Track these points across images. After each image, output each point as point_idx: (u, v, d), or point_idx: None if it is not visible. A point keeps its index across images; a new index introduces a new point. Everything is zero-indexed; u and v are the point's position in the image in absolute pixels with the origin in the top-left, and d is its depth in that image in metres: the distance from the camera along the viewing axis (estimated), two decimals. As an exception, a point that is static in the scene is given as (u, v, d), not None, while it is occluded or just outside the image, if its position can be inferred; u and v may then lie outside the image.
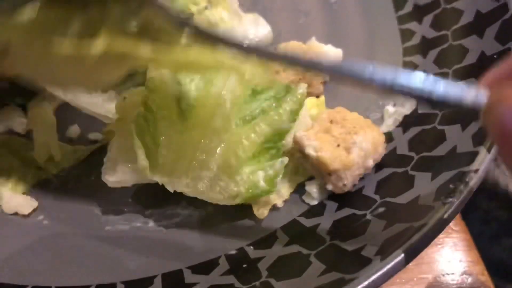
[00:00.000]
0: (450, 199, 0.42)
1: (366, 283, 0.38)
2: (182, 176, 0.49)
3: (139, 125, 0.49)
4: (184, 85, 0.52)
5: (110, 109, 0.58)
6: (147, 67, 0.54)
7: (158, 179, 0.48)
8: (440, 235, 0.42)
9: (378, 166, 0.52)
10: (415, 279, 0.55)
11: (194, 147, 0.50)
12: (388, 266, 0.38)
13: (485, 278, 0.57)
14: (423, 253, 0.41)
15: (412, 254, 0.39)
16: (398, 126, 0.56)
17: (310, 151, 0.50)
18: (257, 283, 0.44)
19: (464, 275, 0.57)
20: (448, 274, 0.57)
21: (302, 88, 0.53)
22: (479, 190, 0.98)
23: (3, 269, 0.49)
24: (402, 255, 0.39)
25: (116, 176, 0.50)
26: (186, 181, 0.48)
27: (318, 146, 0.50)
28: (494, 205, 0.98)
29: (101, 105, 0.59)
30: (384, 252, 0.40)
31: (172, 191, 0.48)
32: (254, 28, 0.64)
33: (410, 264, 0.40)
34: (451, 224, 0.60)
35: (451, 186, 0.43)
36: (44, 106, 0.59)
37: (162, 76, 0.52)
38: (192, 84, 0.52)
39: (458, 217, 0.61)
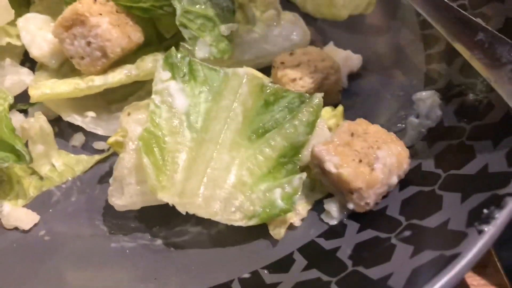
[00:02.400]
0: (486, 226, 0.39)
1: (396, 321, 0.34)
2: (194, 196, 0.45)
3: (146, 142, 0.46)
4: (193, 97, 0.49)
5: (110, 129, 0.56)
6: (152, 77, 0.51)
7: (169, 200, 0.45)
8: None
9: (403, 184, 0.48)
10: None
11: (206, 164, 0.47)
12: (419, 302, 0.35)
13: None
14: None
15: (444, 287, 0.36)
16: (422, 140, 0.52)
17: (330, 167, 0.46)
18: (274, 312, 0.41)
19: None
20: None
21: (318, 97, 0.50)
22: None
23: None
24: (435, 289, 0.36)
25: (124, 199, 0.47)
26: (199, 202, 0.45)
27: (338, 162, 0.46)
28: None
29: (99, 124, 0.57)
30: (414, 284, 0.36)
31: (184, 213, 0.45)
32: (293, 28, 0.60)
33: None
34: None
35: (485, 211, 0.40)
36: (38, 115, 0.56)
37: (168, 88, 0.48)
38: (201, 96, 0.49)
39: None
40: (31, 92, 0.53)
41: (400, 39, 0.63)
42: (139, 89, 0.59)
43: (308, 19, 0.64)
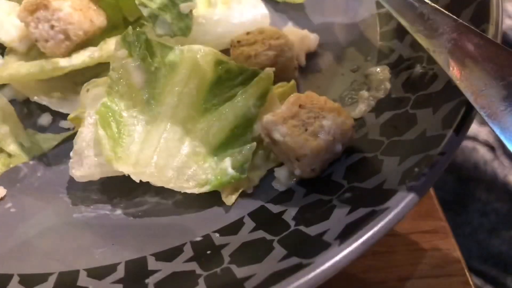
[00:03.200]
0: (414, 183, 0.41)
1: (322, 268, 0.37)
2: (147, 165, 0.48)
3: (103, 116, 0.48)
4: (149, 73, 0.51)
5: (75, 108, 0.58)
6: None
7: (124, 169, 0.47)
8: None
9: (348, 151, 0.51)
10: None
11: (160, 135, 0.49)
12: (346, 251, 0.37)
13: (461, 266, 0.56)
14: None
15: (371, 239, 0.38)
16: (371, 112, 0.55)
17: (277, 136, 0.49)
18: (218, 269, 0.43)
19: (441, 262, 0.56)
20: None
21: (269, 71, 0.52)
22: (478, 182, 0.97)
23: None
24: (361, 240, 0.38)
25: (83, 170, 0.50)
26: (152, 170, 0.47)
27: (285, 131, 0.49)
28: (493, 197, 0.96)
29: (65, 104, 0.59)
30: (344, 237, 0.39)
31: (138, 181, 0.47)
32: (253, 10, 0.63)
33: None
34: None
35: (416, 169, 0.42)
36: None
37: (126, 65, 0.51)
38: (157, 72, 0.51)
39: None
40: (-2, 74, 0.56)
41: (356, 18, 0.65)
42: (104, 71, 0.61)
43: (271, 2, 0.67)
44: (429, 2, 0.50)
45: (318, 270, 0.37)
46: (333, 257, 0.37)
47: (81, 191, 0.54)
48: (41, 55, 0.61)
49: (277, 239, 0.44)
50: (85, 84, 0.53)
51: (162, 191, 0.51)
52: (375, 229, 0.39)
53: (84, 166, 0.50)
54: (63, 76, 0.59)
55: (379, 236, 0.39)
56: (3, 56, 0.62)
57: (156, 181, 0.48)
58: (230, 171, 0.49)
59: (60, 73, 0.58)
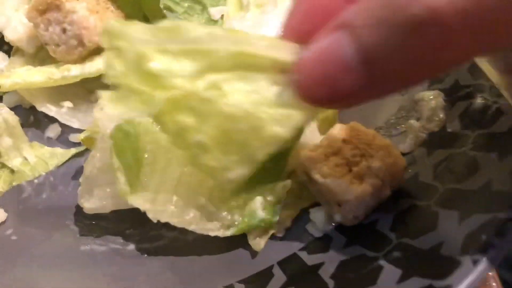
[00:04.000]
0: (481, 256, 0.35)
1: None
2: (167, 203, 0.42)
3: (118, 140, 0.42)
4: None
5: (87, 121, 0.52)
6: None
7: (140, 206, 0.41)
8: None
9: (396, 195, 0.44)
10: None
11: (181, 168, 0.43)
12: None
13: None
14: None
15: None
16: (421, 146, 0.48)
17: (316, 176, 0.42)
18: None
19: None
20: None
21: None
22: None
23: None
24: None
25: (93, 201, 0.44)
26: (172, 210, 0.41)
27: (326, 171, 0.42)
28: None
29: (76, 116, 0.53)
30: (398, 318, 0.33)
31: (155, 221, 0.41)
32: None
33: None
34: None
35: (483, 237, 0.36)
36: (1, 106, 0.52)
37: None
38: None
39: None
40: (1, 81, 0.50)
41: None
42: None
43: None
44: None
45: None
46: None
47: (90, 219, 0.48)
48: (50, 57, 0.55)
49: (314, 302, 0.38)
50: (99, 101, 0.47)
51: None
52: (435, 312, 0.33)
53: (94, 197, 0.44)
54: (74, 82, 0.53)
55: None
56: (9, 55, 0.56)
57: (176, 222, 0.42)
58: (260, 213, 0.43)
59: (70, 82, 0.51)
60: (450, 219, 0.40)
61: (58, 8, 0.49)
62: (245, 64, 0.33)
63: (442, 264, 0.36)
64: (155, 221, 0.42)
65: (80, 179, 0.45)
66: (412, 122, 0.50)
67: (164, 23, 0.34)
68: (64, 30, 0.49)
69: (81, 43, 0.50)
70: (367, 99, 0.29)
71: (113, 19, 0.51)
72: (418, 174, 0.46)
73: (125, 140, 0.43)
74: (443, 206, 0.41)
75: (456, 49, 0.24)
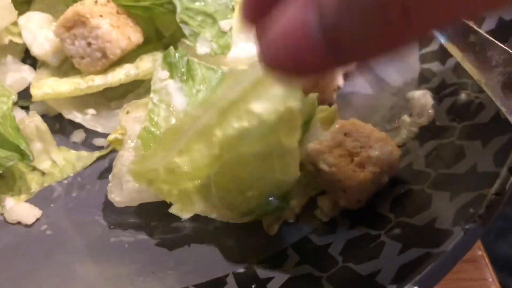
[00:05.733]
0: (471, 225, 0.40)
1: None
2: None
3: (145, 141, 0.47)
4: (191, 96, 0.50)
5: (109, 126, 0.57)
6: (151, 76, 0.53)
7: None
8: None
9: (393, 182, 0.50)
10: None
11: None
12: (404, 298, 0.37)
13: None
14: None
15: (429, 283, 0.38)
16: (414, 139, 0.54)
17: (323, 165, 0.48)
18: (267, 306, 0.42)
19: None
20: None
21: (313, 97, 0.52)
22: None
23: (15, 284, 0.48)
24: (418, 286, 0.37)
25: (123, 195, 0.49)
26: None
27: (331, 161, 0.48)
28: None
29: (99, 121, 0.58)
30: (400, 281, 0.38)
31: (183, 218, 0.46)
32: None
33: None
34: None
35: (471, 210, 0.41)
36: (33, 114, 0.57)
37: (167, 87, 0.50)
38: (199, 95, 0.50)
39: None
40: (33, 92, 0.55)
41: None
42: (138, 87, 0.60)
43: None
44: (482, 32, 0.48)
45: (377, 318, 0.36)
46: (391, 304, 0.37)
47: (117, 214, 0.53)
48: (73, 69, 0.60)
49: (326, 276, 0.43)
50: (124, 106, 0.52)
51: (200, 217, 0.50)
52: (432, 274, 0.38)
53: (124, 192, 0.49)
54: (96, 92, 0.58)
55: (435, 282, 0.38)
56: (35, 68, 0.61)
57: (200, 210, 0.47)
58: (274, 201, 0.48)
59: (94, 91, 0.56)
60: (442, 199, 0.45)
61: (84, 24, 0.54)
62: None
63: (437, 235, 0.41)
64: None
65: (109, 177, 0.50)
66: (404, 118, 0.56)
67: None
68: (89, 44, 0.54)
69: (104, 55, 0.55)
70: (329, 70, 0.31)
71: (132, 34, 0.56)
72: (411, 163, 0.51)
73: (151, 139, 0.48)
74: (435, 188, 0.47)
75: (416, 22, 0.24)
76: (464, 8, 0.25)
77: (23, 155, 0.50)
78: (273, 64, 0.28)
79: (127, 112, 0.51)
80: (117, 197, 0.49)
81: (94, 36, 0.54)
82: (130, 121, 0.51)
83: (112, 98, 0.60)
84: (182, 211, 0.45)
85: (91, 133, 0.59)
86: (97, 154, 0.57)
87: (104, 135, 0.58)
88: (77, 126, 0.59)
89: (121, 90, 0.60)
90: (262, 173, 0.45)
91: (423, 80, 0.59)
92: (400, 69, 0.61)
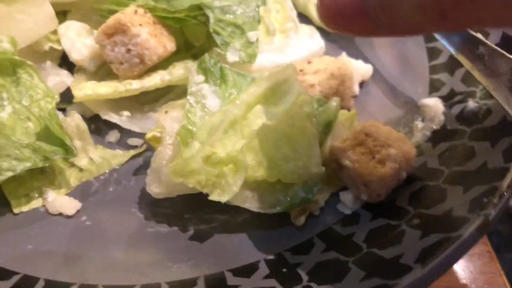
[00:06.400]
0: (486, 211, 0.44)
1: (409, 289, 0.40)
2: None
3: (183, 137, 0.51)
4: (223, 98, 0.55)
5: (144, 127, 0.61)
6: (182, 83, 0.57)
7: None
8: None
9: (410, 179, 0.54)
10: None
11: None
12: (430, 274, 0.41)
13: (507, 289, 0.59)
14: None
15: (450, 263, 0.42)
16: (427, 141, 0.58)
17: (346, 162, 0.52)
18: (299, 286, 0.46)
19: (486, 285, 0.59)
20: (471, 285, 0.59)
21: (336, 101, 0.56)
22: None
23: (58, 269, 0.51)
24: (442, 264, 0.41)
25: (161, 187, 0.53)
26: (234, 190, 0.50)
27: (354, 158, 0.52)
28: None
29: (134, 122, 0.62)
30: (425, 260, 0.42)
31: (222, 201, 0.50)
32: (309, 40, 0.66)
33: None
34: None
35: (484, 199, 0.46)
36: (73, 114, 0.61)
37: (202, 90, 0.54)
38: (231, 98, 0.54)
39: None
40: (75, 93, 0.59)
41: (405, 51, 0.69)
42: (168, 92, 0.65)
43: (322, 32, 0.70)
44: (490, 44, 0.54)
45: (405, 291, 0.40)
46: (418, 279, 0.41)
47: (152, 207, 0.56)
48: (108, 74, 0.64)
49: (352, 260, 0.47)
50: (162, 106, 0.56)
51: (230, 209, 0.54)
52: (453, 254, 0.42)
53: (162, 184, 0.53)
54: (130, 96, 0.62)
55: (456, 261, 0.42)
56: (72, 73, 0.65)
57: (235, 200, 0.51)
58: (301, 193, 0.52)
59: (131, 94, 0.61)
60: (456, 192, 0.50)
61: (124, 32, 0.58)
62: None
63: (454, 222, 0.45)
64: (222, 201, 0.50)
65: (148, 171, 0.54)
66: (417, 122, 0.61)
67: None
68: (128, 51, 0.59)
69: (142, 61, 0.59)
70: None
71: (167, 42, 0.61)
72: (426, 162, 0.56)
73: (189, 136, 0.53)
74: (449, 183, 0.51)
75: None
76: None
77: (67, 150, 0.54)
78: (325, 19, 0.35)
79: (166, 112, 0.55)
80: (156, 189, 0.53)
81: (133, 43, 0.58)
82: (168, 120, 0.55)
83: (145, 102, 0.64)
84: (221, 195, 0.49)
85: (125, 134, 0.62)
86: (131, 152, 0.61)
87: (138, 135, 0.62)
88: (112, 127, 0.63)
89: (153, 95, 0.64)
90: (287, 154, 0.50)
91: (433, 89, 0.64)
92: (412, 79, 0.66)
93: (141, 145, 0.61)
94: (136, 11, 0.59)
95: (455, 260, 0.42)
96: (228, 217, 0.55)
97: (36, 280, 0.50)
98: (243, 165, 0.49)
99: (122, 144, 0.62)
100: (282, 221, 0.54)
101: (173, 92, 0.65)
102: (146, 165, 0.60)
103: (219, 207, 0.55)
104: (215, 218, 0.55)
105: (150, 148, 0.61)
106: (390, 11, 0.33)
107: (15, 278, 0.50)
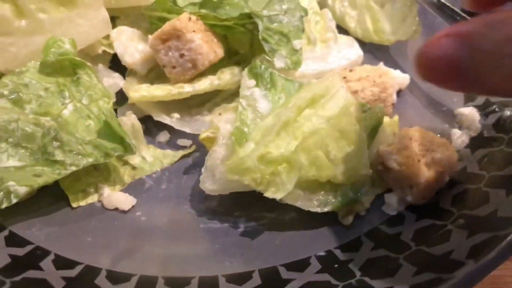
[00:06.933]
0: (532, 213, 0.47)
1: (465, 281, 0.42)
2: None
3: (238, 138, 0.54)
4: (273, 102, 0.58)
5: (194, 128, 0.64)
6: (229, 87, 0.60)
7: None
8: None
9: (451, 182, 0.57)
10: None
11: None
12: (483, 268, 0.43)
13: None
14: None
15: (501, 258, 0.44)
16: (465, 147, 0.61)
17: (393, 164, 0.55)
18: (353, 281, 0.48)
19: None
20: None
21: (381, 107, 0.59)
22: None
23: (118, 261, 0.53)
24: (494, 259, 0.44)
25: (216, 185, 0.55)
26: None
27: (401, 161, 0.55)
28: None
29: (184, 124, 0.65)
30: (476, 256, 0.45)
31: (278, 198, 0.52)
32: (349, 50, 0.70)
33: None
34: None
35: (529, 201, 0.48)
36: (130, 114, 0.64)
37: (254, 94, 0.57)
38: (280, 101, 0.57)
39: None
40: (131, 94, 0.62)
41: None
42: (215, 96, 0.68)
43: (358, 42, 0.73)
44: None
45: (460, 284, 0.43)
46: (472, 272, 0.43)
47: (202, 204, 0.59)
48: (158, 78, 0.67)
49: (402, 256, 0.50)
50: (216, 109, 0.59)
51: (278, 208, 0.56)
52: (504, 251, 0.45)
53: (217, 182, 0.55)
54: (179, 99, 0.65)
55: (506, 257, 0.45)
56: (123, 77, 0.68)
57: (287, 198, 0.53)
58: (350, 194, 0.55)
59: (182, 97, 0.64)
60: (499, 195, 0.52)
61: (179, 37, 0.61)
62: None
63: (500, 222, 0.48)
64: (278, 198, 0.53)
65: (202, 169, 0.57)
66: (455, 130, 0.63)
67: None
68: (181, 55, 0.62)
69: (194, 66, 0.62)
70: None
71: (217, 49, 0.64)
72: (466, 167, 0.59)
73: (243, 136, 0.55)
74: (491, 187, 0.54)
75: None
76: None
77: (126, 148, 0.57)
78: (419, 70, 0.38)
79: (219, 114, 0.58)
80: (210, 186, 0.56)
81: (187, 48, 0.61)
82: (222, 121, 0.58)
83: (192, 105, 0.67)
84: (276, 193, 0.52)
85: (174, 134, 0.65)
86: (182, 152, 0.63)
87: (186, 136, 0.65)
88: (161, 128, 0.66)
89: (200, 99, 0.67)
90: (338, 156, 0.53)
91: (468, 99, 0.67)
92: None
93: (190, 146, 0.64)
94: (190, 18, 0.62)
95: (506, 256, 0.45)
96: (276, 215, 0.58)
97: (98, 270, 0.52)
98: (298, 164, 0.52)
99: (171, 144, 0.65)
100: (329, 221, 0.56)
101: (218, 97, 0.68)
102: (195, 164, 0.63)
103: (267, 206, 0.57)
104: (264, 216, 0.58)
105: (198, 149, 0.64)
106: (483, 77, 0.34)
107: (78, 268, 0.52)
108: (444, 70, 0.36)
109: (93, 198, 0.59)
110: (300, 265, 0.52)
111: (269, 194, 0.52)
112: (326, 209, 0.54)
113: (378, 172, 0.57)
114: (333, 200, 0.55)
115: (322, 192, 0.55)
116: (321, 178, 0.53)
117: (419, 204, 0.55)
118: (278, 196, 0.52)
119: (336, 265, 0.51)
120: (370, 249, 0.53)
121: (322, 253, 0.53)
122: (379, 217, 0.56)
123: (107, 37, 0.68)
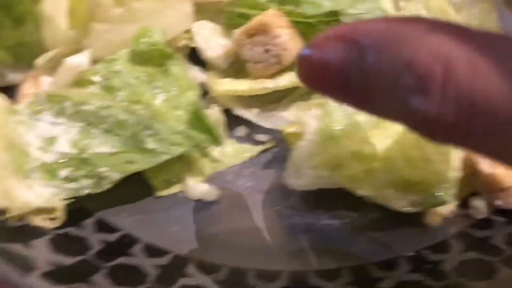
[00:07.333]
0: None
1: None
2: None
3: (326, 134, 0.54)
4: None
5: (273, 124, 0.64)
6: None
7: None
8: None
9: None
10: None
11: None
12: None
13: None
14: None
15: None
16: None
17: (484, 167, 0.54)
18: (448, 282, 0.48)
19: None
20: None
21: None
22: None
23: (205, 251, 0.54)
24: None
25: (303, 180, 0.55)
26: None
27: (492, 164, 0.54)
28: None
29: (264, 119, 0.65)
30: None
31: (370, 196, 0.52)
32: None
33: None
34: None
35: None
36: (214, 106, 0.64)
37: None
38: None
39: None
40: (215, 88, 0.62)
41: None
42: (291, 93, 0.68)
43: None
44: None
45: None
46: None
47: (284, 200, 0.59)
48: (237, 73, 0.67)
49: (497, 259, 0.49)
50: (300, 104, 0.60)
51: (362, 207, 0.56)
52: None
53: (303, 177, 0.55)
54: (255, 95, 0.65)
55: None
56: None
57: (379, 197, 0.53)
58: (438, 195, 0.54)
59: (264, 92, 0.64)
60: None
61: (265, 33, 0.62)
62: None
63: None
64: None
65: (288, 164, 0.57)
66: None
67: None
68: (267, 51, 0.62)
69: (278, 62, 0.63)
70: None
71: (299, 45, 0.64)
72: (554, 174, 0.58)
73: (331, 133, 0.55)
74: None
75: None
76: None
77: (215, 139, 0.57)
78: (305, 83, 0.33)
79: (306, 110, 0.58)
80: (296, 182, 0.56)
81: (273, 43, 0.62)
82: (308, 117, 0.58)
83: (268, 101, 0.67)
84: (369, 190, 0.52)
85: (252, 129, 0.65)
86: (260, 147, 0.64)
87: (264, 131, 0.65)
88: (240, 122, 0.66)
89: (277, 95, 0.67)
90: (430, 157, 0.53)
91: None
92: None
93: (269, 141, 0.64)
94: (275, 14, 0.63)
95: None
96: (359, 214, 0.57)
97: (187, 259, 0.52)
98: (392, 162, 0.52)
99: (249, 139, 0.65)
100: (415, 222, 0.56)
101: (295, 94, 0.68)
102: (275, 160, 0.63)
103: (349, 205, 0.57)
104: (346, 214, 0.58)
105: (277, 144, 0.64)
106: (376, 100, 0.28)
107: (168, 257, 0.52)
108: (329, 80, 0.30)
109: (176, 188, 0.59)
110: (390, 264, 0.52)
111: (361, 191, 0.52)
112: (415, 210, 0.54)
113: (466, 174, 0.57)
114: (422, 200, 0.54)
115: (413, 192, 0.54)
116: (413, 178, 0.53)
117: (509, 208, 0.55)
118: (370, 194, 0.52)
119: (427, 266, 0.51)
120: (460, 251, 0.52)
121: (412, 253, 0.53)
122: (466, 220, 0.56)
123: (187, 30, 0.69)
